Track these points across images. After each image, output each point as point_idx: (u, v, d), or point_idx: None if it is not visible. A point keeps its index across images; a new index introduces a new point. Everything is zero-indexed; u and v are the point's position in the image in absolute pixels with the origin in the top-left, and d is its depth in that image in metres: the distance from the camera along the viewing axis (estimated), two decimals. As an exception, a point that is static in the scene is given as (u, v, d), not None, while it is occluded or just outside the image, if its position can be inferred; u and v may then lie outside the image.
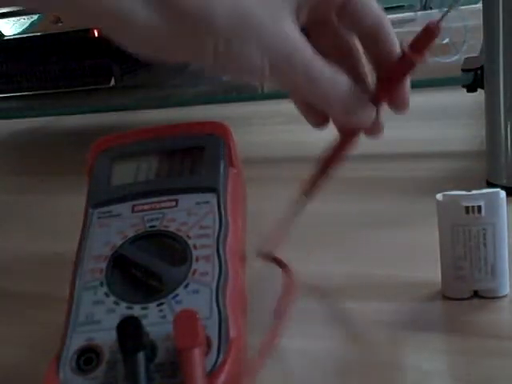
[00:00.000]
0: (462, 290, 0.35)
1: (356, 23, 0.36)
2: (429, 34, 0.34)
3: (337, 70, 0.34)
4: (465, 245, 0.34)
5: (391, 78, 0.35)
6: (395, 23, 0.91)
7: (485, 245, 0.33)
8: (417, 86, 0.64)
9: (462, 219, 0.33)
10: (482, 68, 0.53)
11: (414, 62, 0.35)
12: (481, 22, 0.46)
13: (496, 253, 0.34)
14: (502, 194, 0.33)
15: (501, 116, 0.46)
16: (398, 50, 0.35)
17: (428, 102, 0.72)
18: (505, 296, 0.34)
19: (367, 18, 0.36)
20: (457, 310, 0.34)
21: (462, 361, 0.30)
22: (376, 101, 0.35)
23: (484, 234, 0.33)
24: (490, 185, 0.47)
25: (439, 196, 0.34)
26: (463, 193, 0.33)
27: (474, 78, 0.57)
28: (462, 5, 0.91)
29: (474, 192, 0.33)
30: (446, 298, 0.35)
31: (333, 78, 0.34)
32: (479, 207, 0.33)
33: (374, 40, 0.36)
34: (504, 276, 0.34)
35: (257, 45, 0.32)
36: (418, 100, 0.73)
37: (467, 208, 0.33)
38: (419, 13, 0.89)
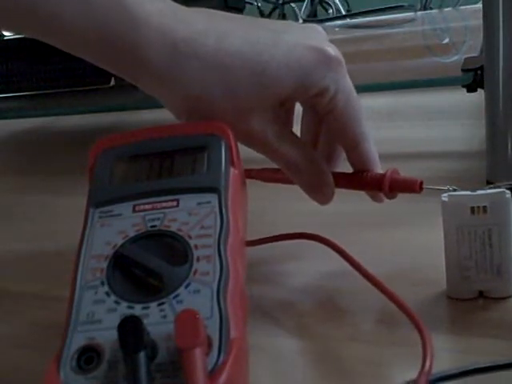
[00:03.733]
0: (468, 291, 0.35)
1: (335, 137, 0.39)
2: (411, 186, 0.36)
3: (302, 154, 0.36)
4: (470, 245, 0.34)
5: (359, 186, 0.38)
6: (395, 23, 0.92)
7: (490, 245, 0.33)
8: (417, 86, 0.65)
9: (467, 220, 0.33)
10: (481, 68, 0.53)
11: (384, 192, 0.37)
12: (481, 22, 0.46)
13: (502, 253, 0.33)
14: (508, 193, 0.33)
15: (501, 116, 0.46)
16: (373, 167, 0.38)
17: (428, 101, 0.72)
18: (510, 296, 0.34)
19: (344, 140, 0.38)
20: (462, 309, 0.34)
21: (466, 360, 0.30)
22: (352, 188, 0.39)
23: (489, 235, 0.33)
24: (490, 185, 0.47)
25: (444, 196, 0.34)
26: (468, 193, 0.33)
27: (474, 77, 0.57)
28: (462, 5, 0.91)
29: (480, 192, 0.33)
30: (450, 298, 0.35)
31: (295, 166, 0.36)
32: (484, 207, 0.33)
33: (349, 155, 0.38)
34: (510, 276, 0.34)
35: None
36: (418, 100, 0.73)
37: (473, 208, 0.33)
38: (419, 13, 0.89)
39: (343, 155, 0.40)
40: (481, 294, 0.35)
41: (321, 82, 0.34)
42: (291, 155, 0.36)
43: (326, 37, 0.36)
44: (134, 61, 0.33)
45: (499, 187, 0.33)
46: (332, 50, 0.35)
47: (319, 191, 0.37)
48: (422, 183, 0.36)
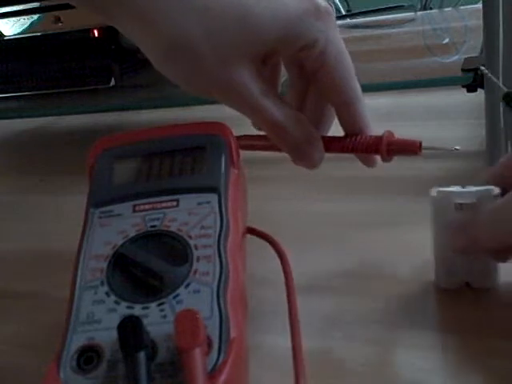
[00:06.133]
0: (454, 282, 0.35)
1: (326, 95, 0.36)
2: (410, 147, 0.36)
3: (287, 114, 0.34)
4: None
5: (353, 148, 0.37)
6: (395, 23, 0.92)
7: None
8: (417, 86, 0.65)
9: (453, 215, 0.34)
10: (482, 68, 0.53)
11: (382, 154, 0.36)
12: (481, 22, 0.46)
13: None
14: (495, 191, 0.33)
15: (501, 116, 0.46)
16: (366, 128, 0.36)
17: (428, 101, 0.72)
18: (494, 287, 0.35)
19: (336, 97, 0.36)
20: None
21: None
22: (343, 151, 0.37)
23: None
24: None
25: (433, 192, 0.34)
26: (456, 189, 0.34)
27: (474, 77, 0.57)
28: (462, 5, 0.91)
29: (467, 189, 0.34)
30: (439, 289, 0.36)
31: (280, 126, 0.34)
32: (471, 204, 0.33)
33: (342, 114, 0.36)
34: (494, 268, 0.35)
35: (206, 84, 0.33)
36: (417, 100, 0.73)
37: (459, 205, 0.33)
38: (419, 13, 0.89)
39: (333, 120, 0.38)
40: (467, 285, 0.35)
41: (309, 33, 0.32)
42: (276, 114, 0.33)
43: None
44: None
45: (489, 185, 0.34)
46: (322, 1, 0.33)
47: (307, 154, 0.35)
48: (421, 144, 0.35)
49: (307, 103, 0.38)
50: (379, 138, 0.36)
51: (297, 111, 0.35)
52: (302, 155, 0.35)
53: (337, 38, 0.34)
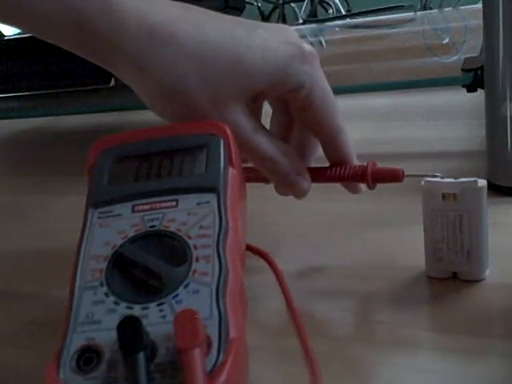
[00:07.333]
0: (442, 271, 0.36)
1: (311, 130, 0.38)
2: (394, 175, 0.38)
3: (277, 148, 0.36)
4: (443, 228, 0.35)
5: (340, 178, 0.39)
6: (395, 23, 0.92)
7: (461, 230, 0.35)
8: (417, 86, 0.65)
9: (439, 205, 0.35)
10: (481, 68, 0.53)
11: (367, 182, 0.38)
12: (481, 22, 0.46)
13: (472, 238, 0.35)
14: (481, 183, 0.34)
15: (501, 116, 0.46)
16: (350, 159, 0.38)
17: (428, 101, 0.72)
18: (480, 281, 0.36)
19: (321, 132, 0.38)
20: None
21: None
22: (330, 181, 0.39)
23: (460, 221, 0.35)
24: (491, 185, 0.47)
25: (423, 182, 0.36)
26: (444, 180, 0.35)
27: (474, 77, 0.57)
28: (462, 5, 0.91)
29: (454, 180, 0.35)
30: (429, 279, 0.37)
31: (270, 159, 0.36)
32: (455, 195, 0.34)
33: (327, 147, 0.38)
34: (479, 261, 0.35)
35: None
36: (417, 100, 0.73)
37: (444, 194, 0.35)
38: (419, 13, 0.89)
39: (317, 150, 0.40)
40: (455, 275, 0.36)
41: (296, 76, 0.34)
42: (267, 148, 0.36)
43: (297, 35, 0.37)
44: (109, 45, 0.33)
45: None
46: (306, 45, 0.35)
47: (297, 184, 0.37)
48: (403, 172, 0.37)
49: (292, 135, 0.40)
50: (364, 168, 0.38)
51: (285, 144, 0.37)
52: (291, 185, 0.37)
53: (321, 78, 0.36)
